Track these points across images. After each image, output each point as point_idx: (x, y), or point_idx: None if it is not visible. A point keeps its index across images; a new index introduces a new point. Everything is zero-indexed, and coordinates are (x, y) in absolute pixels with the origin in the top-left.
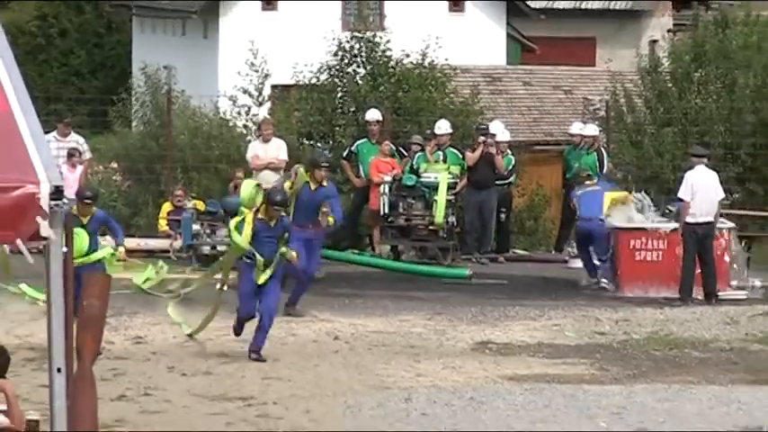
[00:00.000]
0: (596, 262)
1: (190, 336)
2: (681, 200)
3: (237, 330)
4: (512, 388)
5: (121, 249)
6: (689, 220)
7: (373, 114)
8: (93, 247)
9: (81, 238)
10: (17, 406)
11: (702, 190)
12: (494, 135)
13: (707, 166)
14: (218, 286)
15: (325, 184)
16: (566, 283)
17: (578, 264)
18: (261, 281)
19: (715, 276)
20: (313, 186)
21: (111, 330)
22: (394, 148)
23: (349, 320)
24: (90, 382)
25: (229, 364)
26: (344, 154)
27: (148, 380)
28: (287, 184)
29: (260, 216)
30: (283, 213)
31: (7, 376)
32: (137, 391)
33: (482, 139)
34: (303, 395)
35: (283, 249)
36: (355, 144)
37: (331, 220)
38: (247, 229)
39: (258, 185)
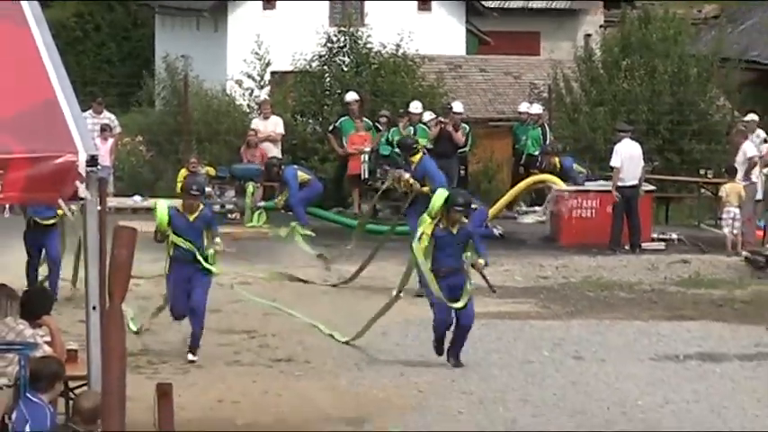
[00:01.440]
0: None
1: (346, 342)
2: (612, 167)
3: (438, 349)
4: None
5: (218, 240)
6: (618, 183)
7: (352, 96)
8: (200, 245)
9: (160, 210)
10: (59, 338)
11: (629, 159)
12: (452, 110)
13: (632, 138)
14: (393, 293)
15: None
16: (515, 236)
17: (527, 219)
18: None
19: (639, 230)
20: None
21: (137, 273)
22: (370, 122)
23: (335, 267)
24: (119, 318)
25: (236, 303)
26: (330, 128)
27: (168, 316)
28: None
29: (441, 226)
30: (465, 219)
31: (51, 313)
32: (158, 325)
33: (438, 119)
34: (297, 329)
35: (468, 254)
36: (339, 120)
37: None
38: (425, 241)
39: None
